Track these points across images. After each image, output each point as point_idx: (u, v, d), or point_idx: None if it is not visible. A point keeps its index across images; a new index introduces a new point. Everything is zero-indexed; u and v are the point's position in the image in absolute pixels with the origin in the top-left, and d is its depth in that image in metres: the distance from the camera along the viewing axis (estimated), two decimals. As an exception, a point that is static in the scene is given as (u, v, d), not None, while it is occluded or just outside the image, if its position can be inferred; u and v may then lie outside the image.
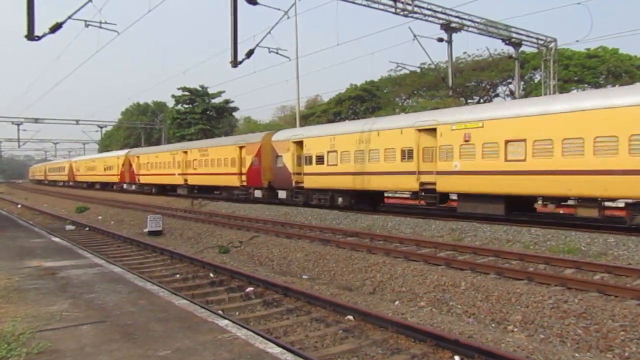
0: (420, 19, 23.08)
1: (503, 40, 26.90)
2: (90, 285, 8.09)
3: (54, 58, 78.72)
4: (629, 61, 40.25)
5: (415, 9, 22.54)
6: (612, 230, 13.62)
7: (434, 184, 17.85)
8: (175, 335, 5.46)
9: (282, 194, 26.32)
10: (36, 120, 58.88)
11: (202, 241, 18.53)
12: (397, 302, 10.22)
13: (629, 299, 8.46)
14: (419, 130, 18.52)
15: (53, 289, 7.76)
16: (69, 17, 17.62)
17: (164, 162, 38.84)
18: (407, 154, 19.01)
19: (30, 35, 16.04)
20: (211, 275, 12.26)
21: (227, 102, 62.08)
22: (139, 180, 44.03)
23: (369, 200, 22.20)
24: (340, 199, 22.51)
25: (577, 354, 7.29)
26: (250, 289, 10.61)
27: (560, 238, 13.34)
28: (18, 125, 59.03)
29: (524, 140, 15.19)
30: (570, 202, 16.14)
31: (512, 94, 42.03)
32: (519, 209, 16.95)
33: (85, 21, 18.95)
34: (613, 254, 11.82)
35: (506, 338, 7.75)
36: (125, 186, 47.70)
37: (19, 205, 38.70)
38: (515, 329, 8.30)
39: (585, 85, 39.82)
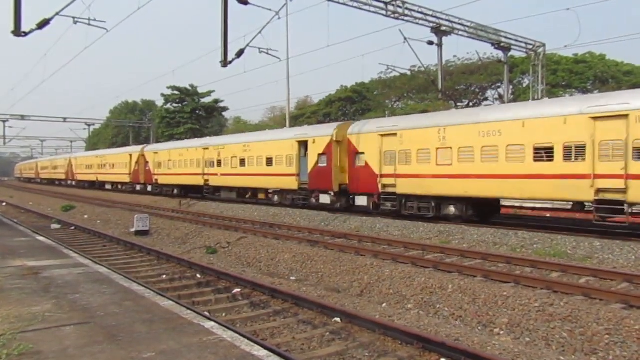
0: (411, 22, 23.15)
1: (493, 44, 27.07)
2: (75, 285, 7.98)
3: (42, 55, 77.72)
4: (615, 67, 40.77)
5: (406, 11, 22.61)
6: (598, 234, 13.78)
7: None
8: (160, 337, 5.40)
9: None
10: (23, 118, 58.06)
11: (190, 241, 18.40)
12: (384, 305, 10.22)
13: (614, 303, 8.54)
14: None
15: (36, 289, 7.64)
16: (57, 14, 17.43)
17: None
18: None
19: (17, 31, 15.81)
20: (198, 276, 12.16)
21: (216, 101, 61.83)
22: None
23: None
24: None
25: (562, 357, 7.34)
26: (237, 290, 10.55)
27: (547, 241, 13.45)
28: (4, 122, 58.21)
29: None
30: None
31: (500, 97, 42.33)
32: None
33: (74, 18, 18.74)
34: (598, 257, 11.94)
35: (492, 341, 7.79)
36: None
37: (4, 204, 38.16)
38: (502, 332, 8.34)
39: (573, 90, 40.25)
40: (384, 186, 18.84)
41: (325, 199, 21.64)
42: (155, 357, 4.82)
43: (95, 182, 51.06)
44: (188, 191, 34.18)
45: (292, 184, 23.52)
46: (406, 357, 6.93)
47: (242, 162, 27.36)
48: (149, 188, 38.88)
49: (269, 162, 25.04)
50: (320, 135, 21.98)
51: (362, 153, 19.87)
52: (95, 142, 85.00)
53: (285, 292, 9.94)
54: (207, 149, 30.93)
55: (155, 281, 11.63)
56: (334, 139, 20.93)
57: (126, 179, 43.06)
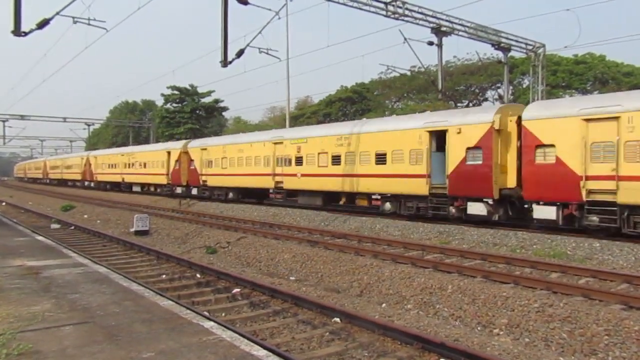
0: (411, 22, 23.15)
1: (493, 45, 27.06)
2: (74, 285, 7.98)
3: (42, 55, 77.84)
4: (615, 68, 40.75)
5: (406, 12, 22.61)
6: (597, 236, 13.78)
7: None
8: (160, 337, 5.40)
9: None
10: (22, 117, 58.12)
11: (189, 241, 18.40)
12: (384, 305, 10.22)
13: (613, 304, 8.55)
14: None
15: (36, 289, 7.64)
16: (57, 13, 17.44)
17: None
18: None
19: (17, 31, 15.82)
20: (198, 275, 12.16)
21: (216, 101, 61.84)
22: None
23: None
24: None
25: (561, 358, 7.35)
26: (237, 290, 10.55)
27: (547, 242, 13.45)
28: (4, 122, 58.26)
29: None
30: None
31: (500, 98, 42.36)
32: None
33: (74, 17, 18.74)
34: (598, 258, 11.95)
35: (492, 341, 7.79)
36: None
37: (3, 203, 38.16)
38: (501, 333, 8.34)
39: (573, 90, 40.25)
40: (591, 192, 13.97)
41: (477, 208, 16.42)
42: (154, 356, 4.82)
43: (120, 184, 45.05)
44: (247, 195, 29.27)
45: (419, 187, 18.16)
46: (405, 357, 6.93)
47: (336, 159, 21.76)
48: (194, 191, 32.82)
49: (381, 158, 19.66)
50: (471, 122, 16.82)
51: (550, 146, 14.87)
52: (94, 142, 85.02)
53: (284, 292, 9.94)
54: (280, 143, 25.36)
55: (154, 281, 11.63)
56: (495, 127, 16.07)
57: (163, 180, 36.61)
